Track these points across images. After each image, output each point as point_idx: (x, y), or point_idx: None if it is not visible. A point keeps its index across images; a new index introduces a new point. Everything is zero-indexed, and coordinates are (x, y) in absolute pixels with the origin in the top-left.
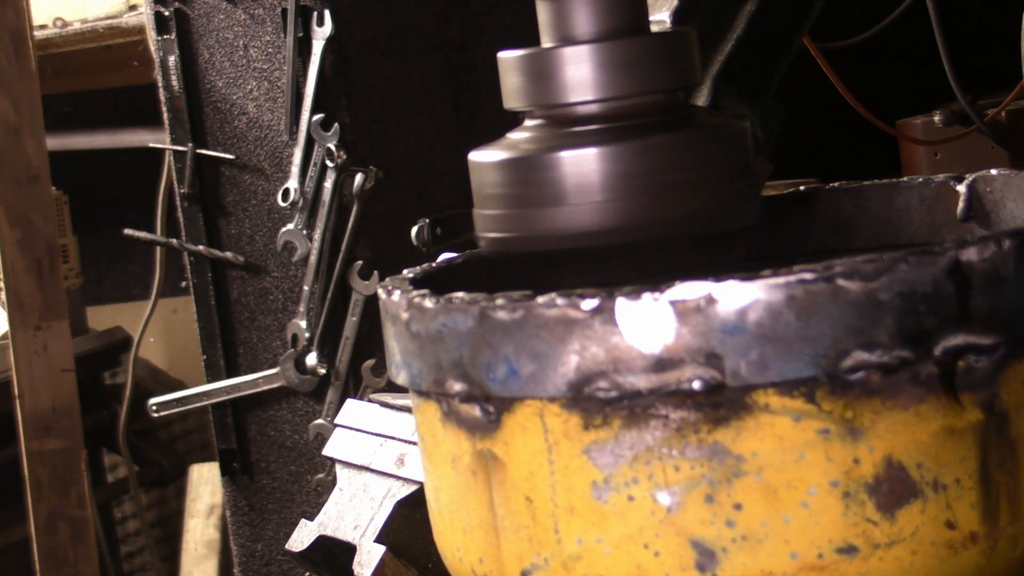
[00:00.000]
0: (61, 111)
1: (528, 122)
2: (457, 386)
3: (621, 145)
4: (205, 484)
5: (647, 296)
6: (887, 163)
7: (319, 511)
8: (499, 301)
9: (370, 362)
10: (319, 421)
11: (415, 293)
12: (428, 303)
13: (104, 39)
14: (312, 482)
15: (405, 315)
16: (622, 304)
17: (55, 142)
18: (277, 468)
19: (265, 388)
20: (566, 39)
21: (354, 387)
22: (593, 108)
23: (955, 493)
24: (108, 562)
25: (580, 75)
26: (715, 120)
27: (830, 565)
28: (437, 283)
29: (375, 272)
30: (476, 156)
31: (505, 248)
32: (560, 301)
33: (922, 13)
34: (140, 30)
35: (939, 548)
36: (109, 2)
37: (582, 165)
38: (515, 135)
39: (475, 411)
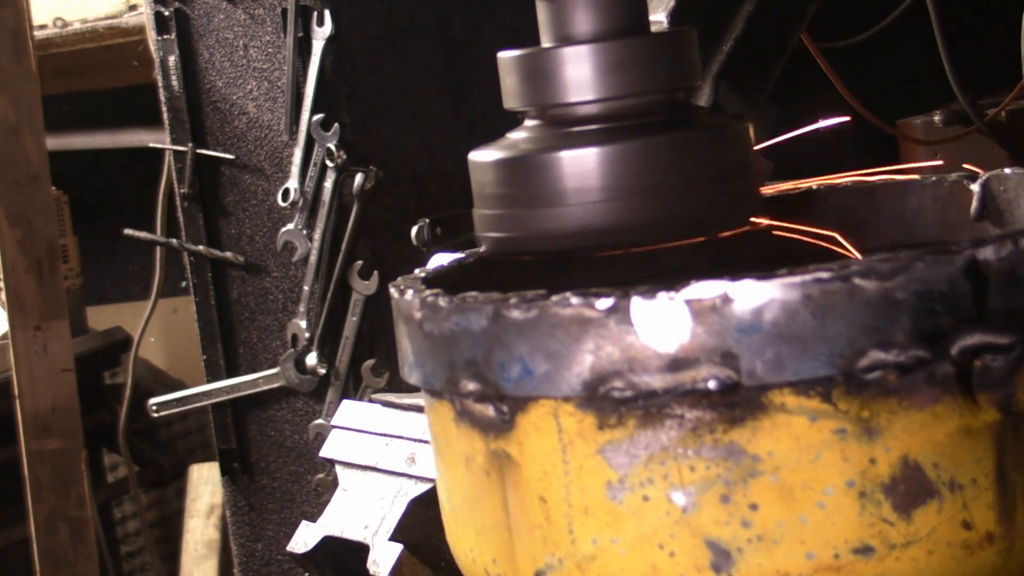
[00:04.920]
0: (61, 111)
1: (528, 122)
2: (471, 386)
3: (621, 145)
4: (205, 484)
5: (662, 295)
6: (887, 163)
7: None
8: (513, 300)
9: (370, 362)
10: (319, 421)
11: (428, 292)
12: (441, 302)
13: (104, 39)
14: (312, 482)
15: (418, 315)
16: (637, 303)
17: (55, 142)
18: (277, 468)
19: (265, 388)
20: (566, 39)
21: (354, 387)
22: (593, 108)
23: (972, 493)
24: (108, 562)
25: (580, 75)
26: (715, 120)
27: (846, 565)
28: (448, 282)
29: (375, 272)
30: (476, 156)
31: (505, 248)
32: (574, 300)
33: (922, 13)
34: (140, 30)
35: (955, 548)
36: (109, 2)
37: (582, 165)
38: (515, 135)
39: (489, 411)
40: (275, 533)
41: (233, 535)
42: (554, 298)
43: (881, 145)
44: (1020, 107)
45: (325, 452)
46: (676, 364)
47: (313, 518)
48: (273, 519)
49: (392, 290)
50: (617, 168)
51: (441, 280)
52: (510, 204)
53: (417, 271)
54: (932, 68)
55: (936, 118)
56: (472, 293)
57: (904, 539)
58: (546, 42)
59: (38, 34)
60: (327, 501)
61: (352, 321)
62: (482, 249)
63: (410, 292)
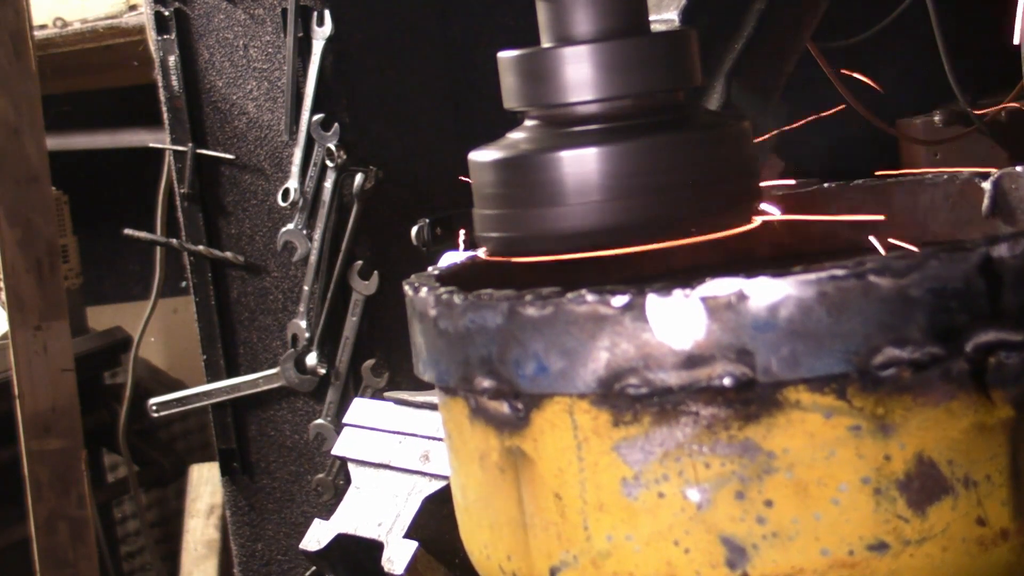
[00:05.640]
0: (61, 111)
1: (528, 122)
2: (485, 383)
3: (620, 145)
4: (205, 484)
5: (678, 292)
6: (887, 163)
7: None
8: (528, 297)
9: (370, 362)
10: (319, 421)
11: (443, 290)
12: (456, 300)
13: (104, 39)
14: (312, 482)
15: (433, 312)
16: (653, 300)
17: (55, 142)
18: (277, 468)
19: (265, 388)
20: (565, 39)
21: (354, 387)
22: (592, 108)
23: (986, 490)
24: (108, 562)
25: (579, 75)
26: (715, 120)
27: (861, 562)
28: (462, 280)
29: (375, 272)
30: (476, 156)
31: (505, 248)
32: (590, 297)
33: (922, 13)
34: (140, 30)
35: (970, 545)
36: (109, 2)
37: (581, 165)
38: (515, 135)
39: (504, 408)
40: (275, 533)
41: (233, 535)
42: (569, 295)
43: (881, 145)
44: (1020, 107)
45: (337, 450)
46: (691, 361)
47: (313, 518)
48: (273, 519)
49: (406, 287)
50: (617, 168)
51: (455, 278)
52: (510, 204)
53: (431, 269)
54: (932, 68)
55: (936, 118)
56: (487, 290)
57: (919, 536)
58: (546, 42)
59: (38, 34)
60: (327, 501)
61: (352, 321)
62: (482, 249)
63: (424, 289)
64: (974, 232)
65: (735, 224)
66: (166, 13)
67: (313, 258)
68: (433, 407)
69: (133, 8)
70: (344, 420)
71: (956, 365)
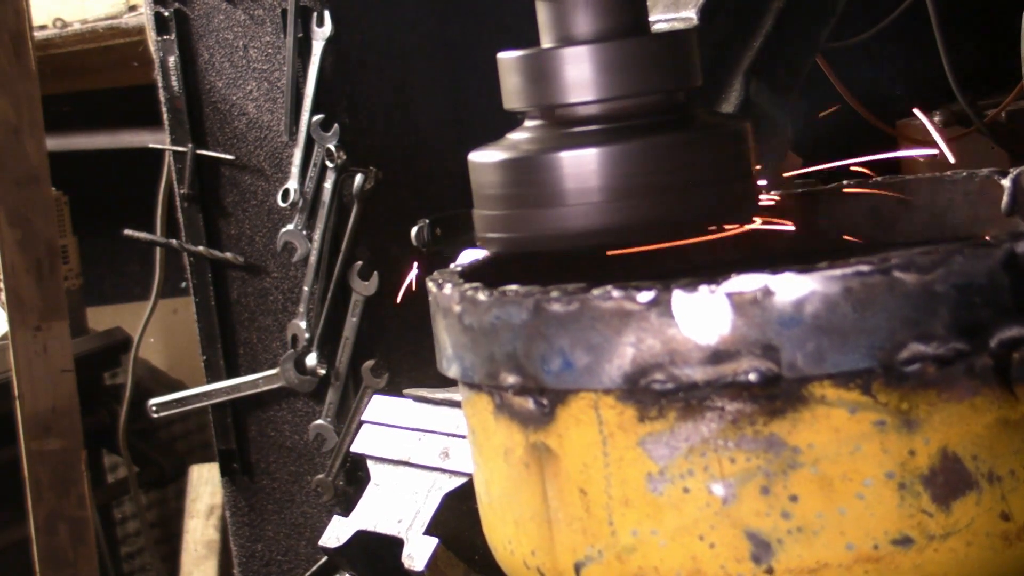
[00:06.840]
0: (61, 111)
1: (528, 122)
2: (511, 379)
3: (621, 145)
4: (205, 484)
5: (704, 288)
6: (887, 163)
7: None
8: (554, 294)
9: (370, 362)
10: (319, 422)
11: (468, 286)
12: (482, 296)
13: (104, 39)
14: (312, 482)
15: (458, 308)
16: (678, 296)
17: (55, 142)
18: (277, 468)
19: (265, 388)
20: (566, 39)
21: (354, 387)
22: (593, 108)
23: (1010, 485)
24: (108, 562)
25: (580, 75)
26: (715, 120)
27: (885, 556)
28: (485, 277)
29: (375, 272)
30: (476, 156)
31: (504, 249)
32: (616, 293)
33: (922, 13)
34: (140, 30)
35: (994, 539)
36: (109, 2)
37: (582, 165)
38: (515, 135)
39: (529, 403)
40: (275, 533)
41: (233, 535)
42: (595, 291)
43: (881, 145)
44: (1020, 107)
45: (356, 447)
46: (717, 356)
47: (313, 519)
48: (273, 520)
49: (430, 284)
50: (618, 168)
51: (477, 274)
52: (511, 205)
53: (453, 265)
54: (932, 68)
55: (936, 118)
56: (512, 286)
57: (943, 530)
58: (546, 43)
59: (38, 34)
60: (327, 502)
61: (352, 321)
62: (482, 250)
63: (449, 286)
64: (994, 230)
65: (735, 223)
66: (166, 14)
67: (313, 259)
68: (452, 404)
69: (133, 9)
70: (363, 417)
71: (980, 360)
